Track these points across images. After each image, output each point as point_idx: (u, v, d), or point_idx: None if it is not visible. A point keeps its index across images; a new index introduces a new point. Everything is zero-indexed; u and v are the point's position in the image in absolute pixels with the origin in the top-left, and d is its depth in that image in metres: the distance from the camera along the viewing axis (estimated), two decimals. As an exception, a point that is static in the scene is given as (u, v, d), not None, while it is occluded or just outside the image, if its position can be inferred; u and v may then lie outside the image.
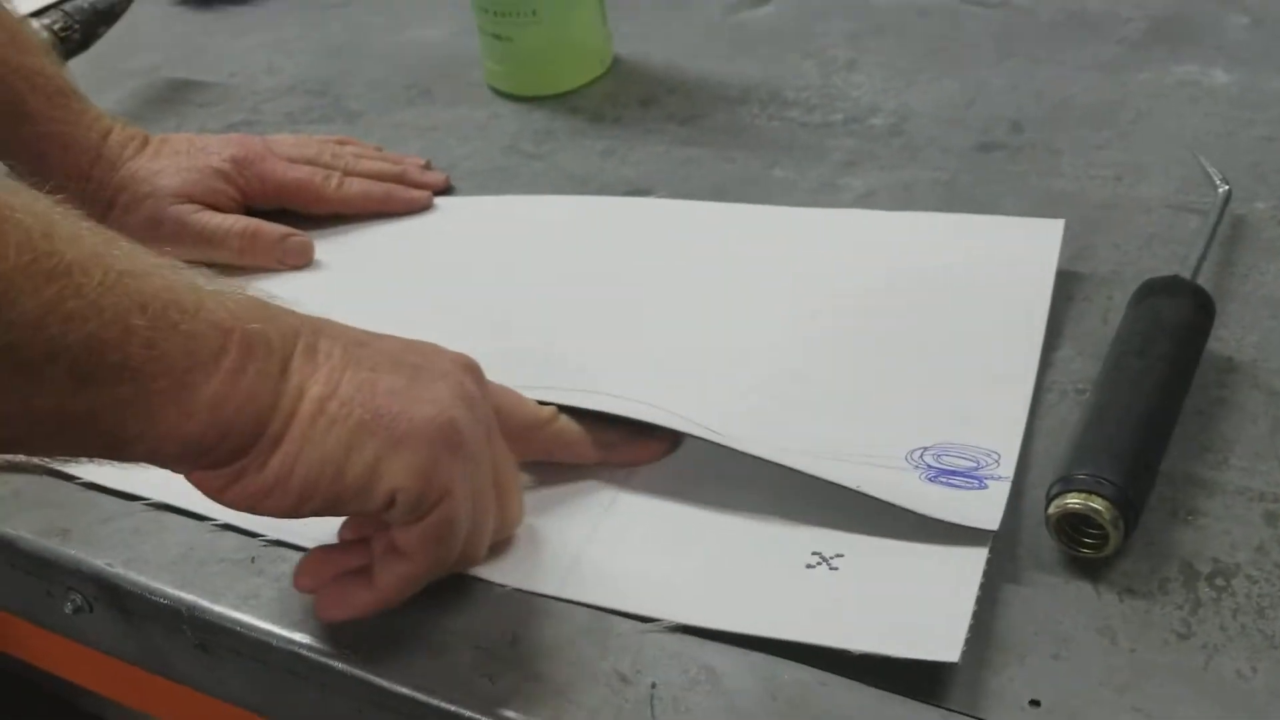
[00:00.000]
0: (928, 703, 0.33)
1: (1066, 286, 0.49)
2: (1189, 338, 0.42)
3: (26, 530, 0.45)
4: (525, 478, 0.41)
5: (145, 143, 0.60)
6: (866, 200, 0.57)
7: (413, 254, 0.58)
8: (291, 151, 0.62)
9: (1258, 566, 0.36)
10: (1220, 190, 0.51)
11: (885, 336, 0.47)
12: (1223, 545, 0.37)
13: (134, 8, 0.80)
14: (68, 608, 0.44)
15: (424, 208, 0.61)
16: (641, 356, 0.48)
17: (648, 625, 0.37)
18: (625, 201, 0.59)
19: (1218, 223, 0.49)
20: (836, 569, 0.37)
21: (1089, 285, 0.49)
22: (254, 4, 0.92)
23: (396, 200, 0.61)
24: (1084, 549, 0.36)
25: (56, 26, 0.74)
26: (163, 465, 0.34)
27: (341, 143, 0.65)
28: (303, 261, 0.58)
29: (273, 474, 0.33)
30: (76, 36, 0.75)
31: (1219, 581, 0.36)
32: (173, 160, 0.59)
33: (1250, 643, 0.34)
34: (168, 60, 0.84)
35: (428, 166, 0.65)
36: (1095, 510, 0.36)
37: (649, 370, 0.47)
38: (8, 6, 0.59)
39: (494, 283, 0.55)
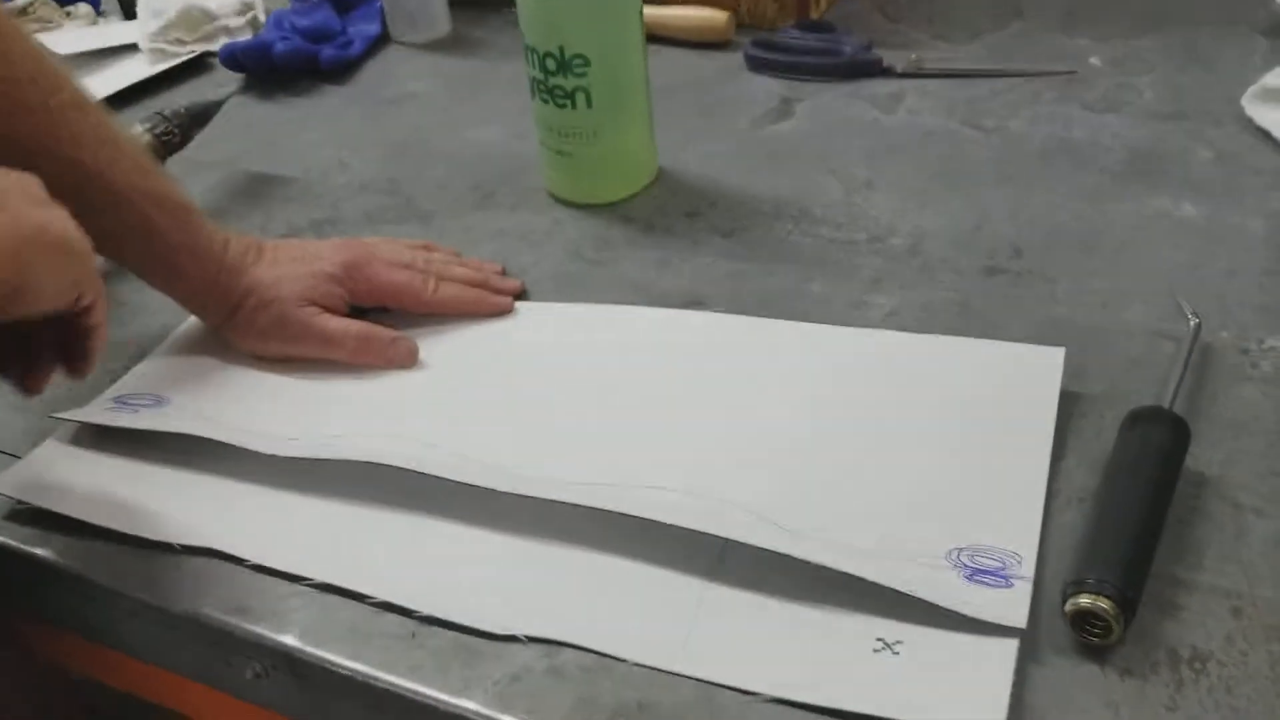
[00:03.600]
0: (977, 762, 0.43)
1: (1065, 405, 0.58)
2: (1170, 459, 0.52)
3: (210, 608, 0.53)
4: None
5: (261, 250, 0.68)
6: (892, 318, 0.67)
7: (500, 356, 0.67)
8: (390, 256, 0.71)
9: (1226, 653, 0.46)
10: (1191, 324, 0.61)
11: (913, 447, 0.57)
12: (1199, 635, 0.47)
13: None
14: (248, 674, 0.52)
15: (507, 312, 0.70)
16: (703, 459, 0.57)
17: (749, 698, 0.46)
18: (684, 314, 0.68)
19: (1189, 355, 0.59)
20: (898, 654, 0.47)
21: (1084, 404, 0.59)
22: (312, 96, 1.01)
23: (485, 305, 0.70)
24: (1092, 637, 0.46)
25: (158, 131, 0.82)
26: None
27: (427, 248, 0.74)
28: (409, 364, 0.66)
29: None
30: (177, 140, 0.83)
31: (1196, 665, 0.46)
32: (291, 268, 0.68)
33: (1223, 715, 0.44)
34: (243, 153, 0.92)
35: (504, 273, 0.74)
36: (1102, 608, 0.46)
37: (712, 474, 0.56)
38: (132, 135, 0.67)
39: (568, 384, 0.64)
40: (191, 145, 0.87)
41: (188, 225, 0.65)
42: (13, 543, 0.58)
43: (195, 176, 0.87)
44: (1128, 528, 0.49)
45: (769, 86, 0.93)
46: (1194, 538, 0.51)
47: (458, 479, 0.55)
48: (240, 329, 0.67)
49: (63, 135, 0.61)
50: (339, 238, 0.77)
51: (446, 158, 0.89)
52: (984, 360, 0.61)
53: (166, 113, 0.84)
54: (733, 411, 0.60)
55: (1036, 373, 0.59)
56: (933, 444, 0.57)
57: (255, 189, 0.88)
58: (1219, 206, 0.73)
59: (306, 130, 0.95)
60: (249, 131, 0.95)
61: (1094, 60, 0.91)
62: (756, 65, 0.95)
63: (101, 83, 1.01)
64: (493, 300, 0.70)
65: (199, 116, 0.85)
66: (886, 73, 0.92)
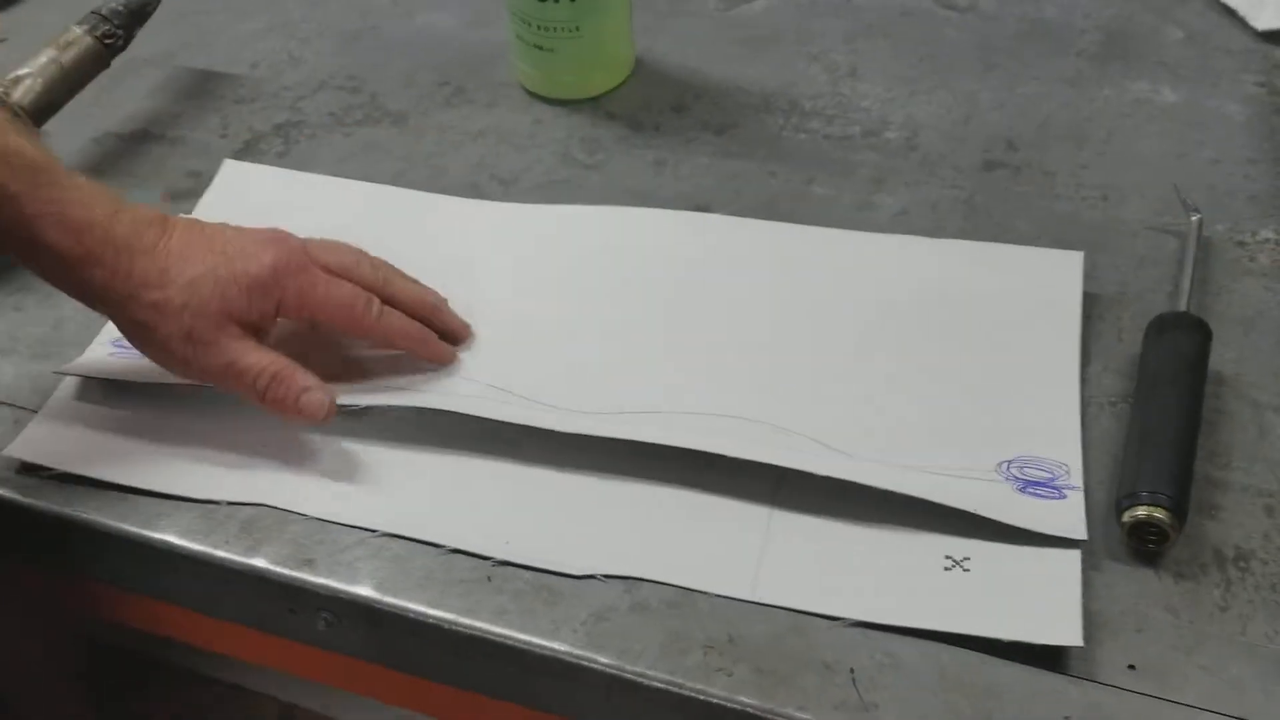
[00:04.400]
0: (1059, 673, 0.46)
1: (1084, 308, 0.60)
2: (1199, 364, 0.55)
3: (271, 561, 0.52)
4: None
5: (167, 228, 0.55)
6: (901, 219, 0.67)
7: (514, 273, 0.65)
8: (330, 259, 0.58)
9: (1266, 550, 0.50)
10: (1193, 220, 0.63)
11: (946, 359, 0.58)
12: (1239, 534, 0.51)
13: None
14: (320, 625, 0.52)
15: (450, 363, 0.59)
16: (743, 381, 0.58)
17: (835, 623, 0.48)
18: (700, 218, 0.67)
19: (1197, 253, 0.61)
20: (969, 570, 0.49)
21: (1101, 305, 0.61)
22: (244, -23, 0.94)
23: (430, 348, 0.59)
24: (1148, 544, 0.49)
25: (99, 32, 0.76)
26: None
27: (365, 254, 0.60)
28: (316, 421, 0.55)
29: None
30: (120, 42, 0.77)
31: (1241, 564, 0.50)
32: (210, 264, 0.54)
33: (1270, 612, 0.48)
34: (181, 47, 0.86)
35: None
36: (1159, 519, 0.49)
37: (757, 397, 0.57)
38: None
39: (596, 302, 0.63)
40: (121, 40, 0.81)
41: (50, 189, 0.53)
42: (40, 504, 0.56)
43: (135, 77, 0.82)
44: (1173, 437, 0.51)
45: (731, -38, 0.90)
46: (1220, 438, 0.54)
47: (508, 420, 0.55)
48: (135, 330, 0.55)
49: None
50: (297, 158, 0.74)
51: (405, 48, 0.85)
52: (1005, 265, 0.62)
53: (104, 11, 0.77)
54: (765, 328, 0.61)
55: (1057, 277, 0.61)
56: (964, 354, 0.58)
57: (203, 89, 0.82)
58: (1196, 91, 0.75)
59: (244, 19, 0.89)
60: (181, 22, 0.88)
61: (1054, -69, 0.90)
62: (717, -61, 0.92)
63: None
64: (437, 347, 0.59)
65: (138, 13, 0.78)
66: (852, -53, 0.90)
